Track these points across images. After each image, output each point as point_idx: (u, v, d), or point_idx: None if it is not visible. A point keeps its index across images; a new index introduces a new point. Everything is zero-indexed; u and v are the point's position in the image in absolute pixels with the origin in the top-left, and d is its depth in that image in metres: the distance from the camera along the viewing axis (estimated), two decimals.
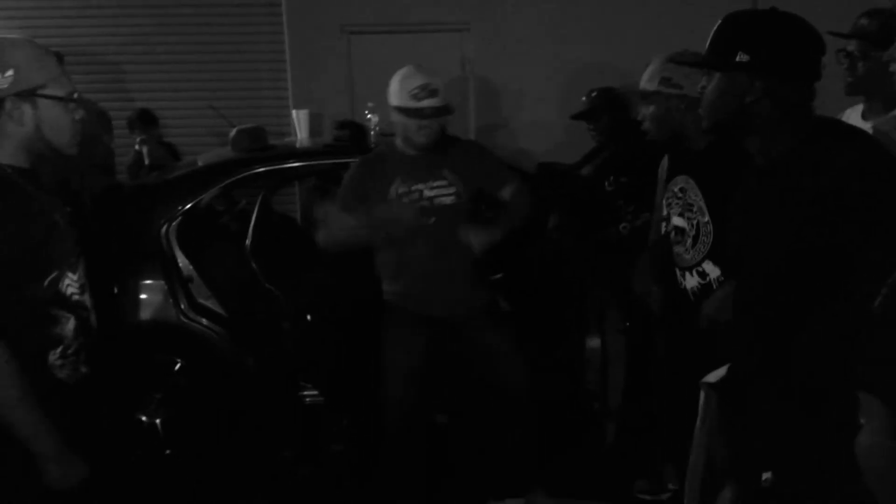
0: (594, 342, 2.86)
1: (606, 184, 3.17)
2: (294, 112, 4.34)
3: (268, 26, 5.50)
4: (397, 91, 2.56)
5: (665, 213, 2.36)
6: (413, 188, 2.59)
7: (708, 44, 1.55)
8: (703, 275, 2.20)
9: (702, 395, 1.76)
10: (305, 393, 3.36)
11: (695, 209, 2.18)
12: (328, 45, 5.37)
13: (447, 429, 3.48)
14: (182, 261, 3.23)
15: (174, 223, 3.22)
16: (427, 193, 2.60)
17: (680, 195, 2.26)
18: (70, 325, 1.79)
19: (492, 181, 2.70)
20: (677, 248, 2.26)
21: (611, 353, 2.82)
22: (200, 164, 3.62)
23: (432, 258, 2.59)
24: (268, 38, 5.52)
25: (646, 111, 2.36)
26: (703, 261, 2.18)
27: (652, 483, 2.95)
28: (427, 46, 5.03)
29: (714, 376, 1.72)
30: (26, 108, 1.72)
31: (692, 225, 2.19)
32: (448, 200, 2.61)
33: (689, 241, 2.19)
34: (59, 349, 1.77)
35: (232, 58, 5.57)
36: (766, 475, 1.51)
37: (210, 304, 3.24)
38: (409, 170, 2.60)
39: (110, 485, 1.89)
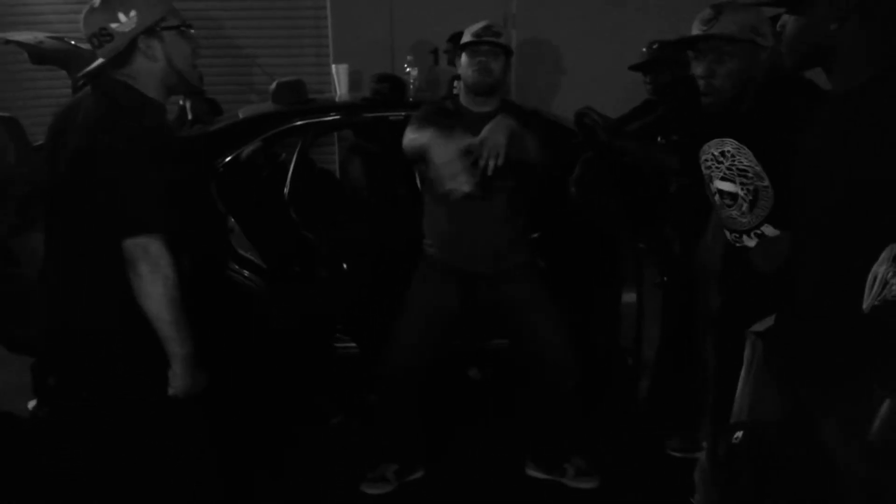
0: (630, 296, 2.83)
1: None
2: (334, 67, 4.34)
3: None
4: (465, 36, 2.57)
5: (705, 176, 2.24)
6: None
7: None
8: (761, 237, 2.13)
9: (748, 343, 1.74)
10: (340, 345, 3.41)
11: (750, 175, 2.07)
12: None
13: (480, 384, 3.50)
14: (223, 212, 3.26)
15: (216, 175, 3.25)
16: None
17: (721, 160, 2.15)
18: None
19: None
20: (729, 212, 2.16)
21: (646, 308, 2.79)
22: (241, 116, 3.65)
23: (476, 216, 2.59)
24: None
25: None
26: (761, 224, 2.10)
27: (684, 441, 2.95)
28: (469, 1, 4.96)
29: (761, 325, 1.70)
30: (155, 44, 1.77)
31: (748, 191, 2.09)
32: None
33: (746, 205, 2.11)
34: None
35: (273, 14, 5.58)
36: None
37: (250, 255, 3.29)
38: (477, 127, 2.51)
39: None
